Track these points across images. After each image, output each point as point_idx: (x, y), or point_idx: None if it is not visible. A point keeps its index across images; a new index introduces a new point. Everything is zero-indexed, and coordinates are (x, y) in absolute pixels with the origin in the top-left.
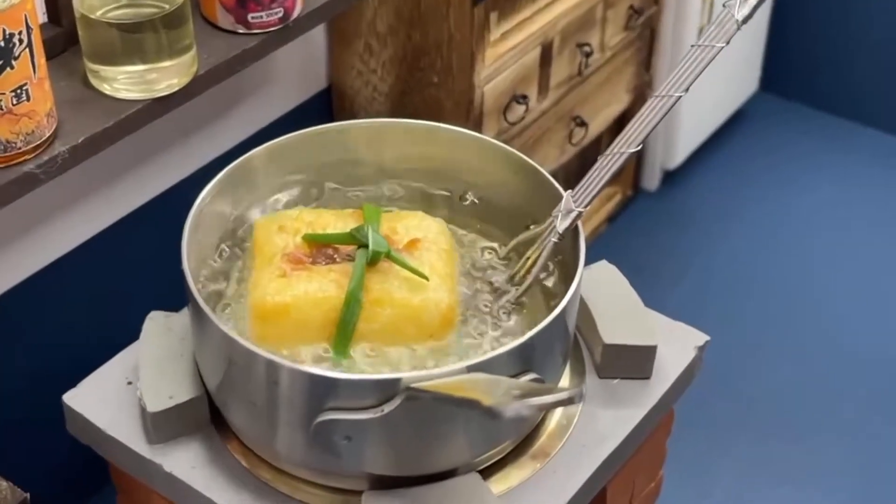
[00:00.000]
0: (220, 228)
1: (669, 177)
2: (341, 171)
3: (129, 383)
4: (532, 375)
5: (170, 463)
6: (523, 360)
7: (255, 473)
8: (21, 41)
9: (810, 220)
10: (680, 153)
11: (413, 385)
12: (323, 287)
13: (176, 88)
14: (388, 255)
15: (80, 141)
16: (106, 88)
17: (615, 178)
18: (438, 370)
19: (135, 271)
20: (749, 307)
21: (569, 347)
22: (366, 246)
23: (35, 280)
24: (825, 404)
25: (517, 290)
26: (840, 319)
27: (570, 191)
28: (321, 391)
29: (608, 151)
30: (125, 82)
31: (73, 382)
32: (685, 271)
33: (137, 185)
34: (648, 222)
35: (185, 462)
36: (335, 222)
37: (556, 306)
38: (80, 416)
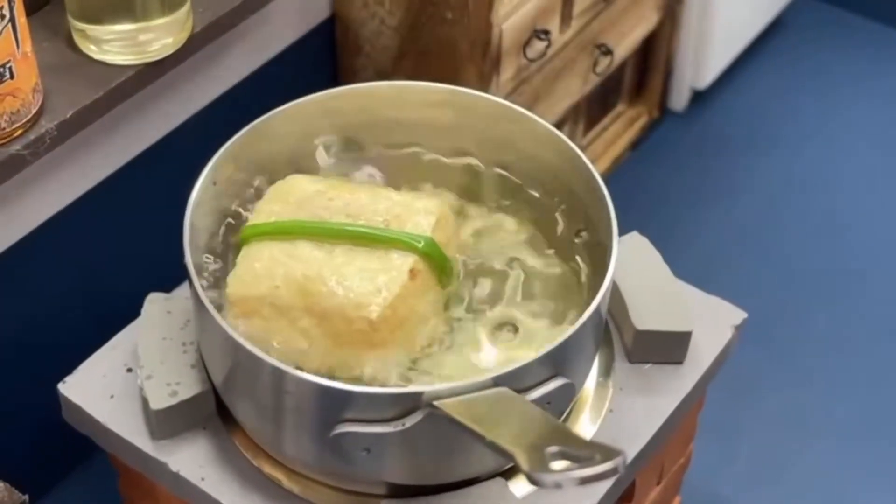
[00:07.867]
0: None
1: (699, 96)
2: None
3: (129, 370)
4: (561, 381)
5: (175, 462)
6: (553, 365)
7: (265, 472)
8: (3, 16)
9: (859, 144)
10: (711, 70)
11: (436, 404)
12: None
13: (171, 50)
14: None
15: (68, 116)
16: (93, 51)
17: (638, 100)
18: (462, 384)
19: (127, 235)
20: (786, 243)
21: (599, 343)
22: None
23: (18, 248)
24: (865, 353)
25: None
26: (889, 258)
27: None
28: (336, 404)
29: None
30: (115, 44)
31: (60, 357)
32: (716, 202)
33: (127, 135)
34: (676, 147)
35: (191, 461)
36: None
37: (589, 299)
38: (78, 407)
